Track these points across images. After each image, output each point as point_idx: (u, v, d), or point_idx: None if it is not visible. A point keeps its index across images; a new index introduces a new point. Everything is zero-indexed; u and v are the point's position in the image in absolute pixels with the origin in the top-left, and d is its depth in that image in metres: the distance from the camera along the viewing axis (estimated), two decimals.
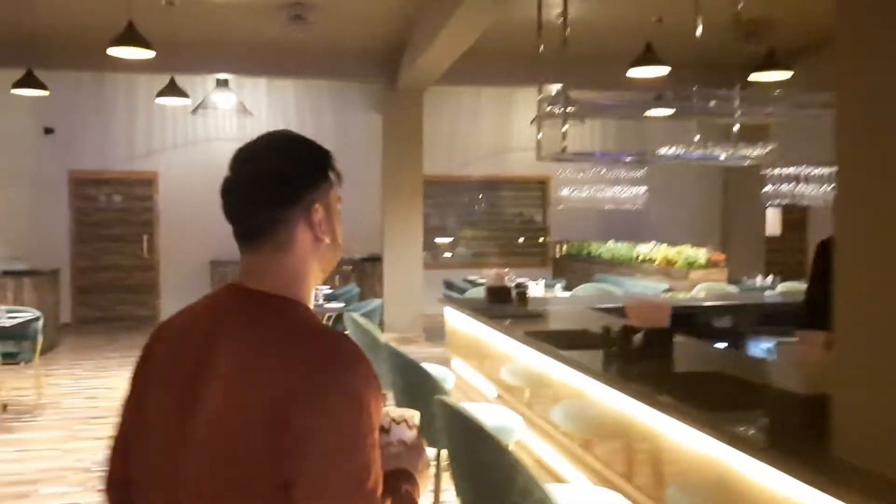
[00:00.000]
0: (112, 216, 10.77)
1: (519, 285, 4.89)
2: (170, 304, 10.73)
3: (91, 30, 7.46)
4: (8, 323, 5.74)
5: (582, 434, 3.01)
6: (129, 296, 10.85)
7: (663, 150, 5.19)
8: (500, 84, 10.99)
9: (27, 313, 6.27)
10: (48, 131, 10.40)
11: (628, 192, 8.04)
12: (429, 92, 9.65)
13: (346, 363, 1.08)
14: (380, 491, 1.07)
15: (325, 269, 1.24)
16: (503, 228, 12.08)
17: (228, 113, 10.14)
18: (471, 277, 9.89)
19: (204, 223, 10.93)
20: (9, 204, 9.16)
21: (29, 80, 7.27)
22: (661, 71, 6.37)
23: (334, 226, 1.23)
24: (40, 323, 6.32)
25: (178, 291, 10.73)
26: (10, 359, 6.12)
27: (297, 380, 1.05)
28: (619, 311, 4.02)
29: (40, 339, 6.35)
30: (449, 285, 9.42)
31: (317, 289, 8.53)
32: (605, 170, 11.26)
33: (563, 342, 3.14)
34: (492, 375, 4.23)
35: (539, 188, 12.02)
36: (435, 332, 9.64)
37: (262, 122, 11.01)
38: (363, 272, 11.00)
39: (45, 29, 7.83)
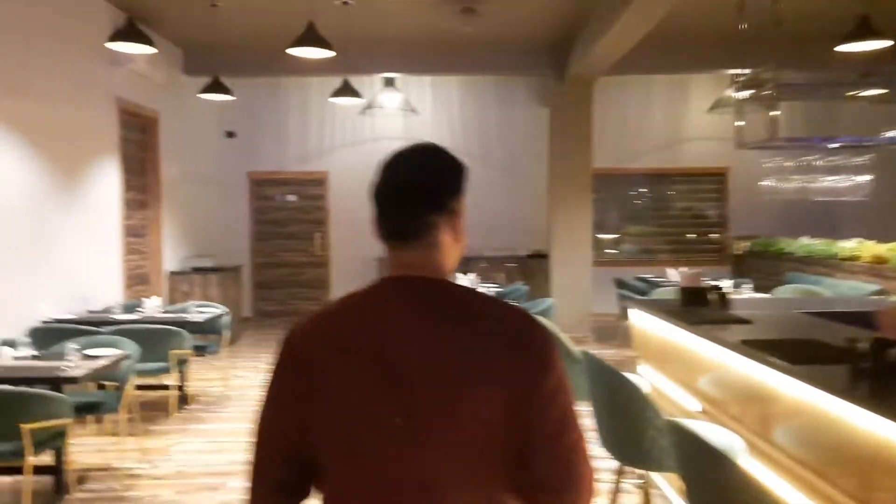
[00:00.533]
0: (287, 215, 11.21)
1: (715, 287, 4.45)
2: None
3: (270, 34, 7.73)
4: (199, 318, 6.02)
5: (819, 460, 2.60)
6: (303, 290, 11.25)
7: (891, 133, 4.55)
8: (678, 70, 10.38)
9: (215, 309, 6.54)
10: (230, 135, 10.97)
11: (847, 182, 7.20)
12: (596, 83, 9.25)
13: (552, 346, 1.24)
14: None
15: (455, 266, 1.35)
16: (673, 224, 11.43)
17: (394, 112, 10.24)
18: (645, 276, 9.40)
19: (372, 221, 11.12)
20: (196, 204, 9.73)
21: (216, 87, 7.64)
22: (880, 45, 5.55)
23: (463, 229, 1.35)
24: (227, 318, 6.59)
25: (347, 286, 10.91)
26: (200, 352, 6.41)
27: (520, 371, 1.19)
28: (848, 318, 3.53)
29: (227, 333, 6.62)
30: (621, 284, 8.99)
31: (487, 286, 8.21)
32: (791, 159, 10.38)
33: (789, 353, 2.74)
34: (691, 385, 3.85)
35: (715, 180, 11.27)
36: (604, 333, 9.25)
37: (427, 121, 11.07)
38: (528, 269, 10.77)
39: (230, 35, 8.20)
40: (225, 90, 7.73)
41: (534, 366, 1.20)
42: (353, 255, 11.07)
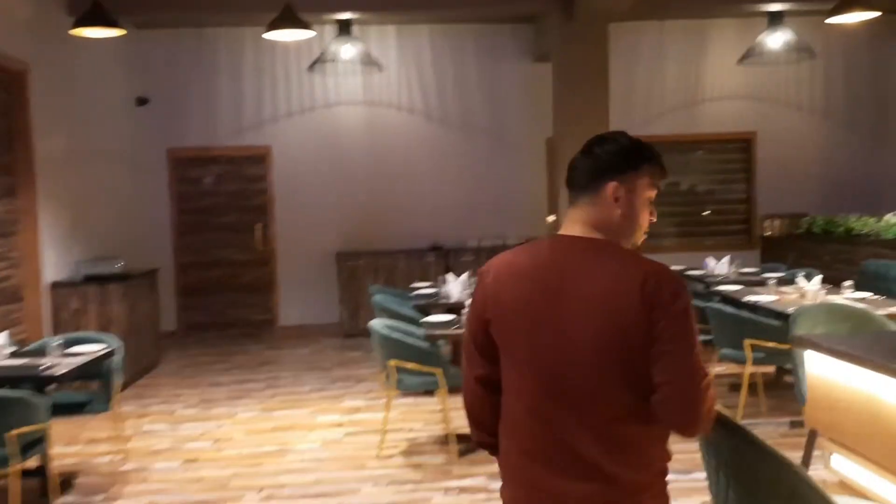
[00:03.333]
0: (219, 201, 8.96)
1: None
2: (290, 307, 8.85)
3: None
4: (64, 368, 3.80)
5: None
6: (242, 296, 9.04)
7: None
8: (707, 14, 8.40)
9: (97, 345, 4.34)
10: (142, 101, 8.66)
11: None
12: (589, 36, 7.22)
13: (679, 281, 1.56)
14: None
15: (620, 236, 1.66)
16: (687, 202, 9.50)
17: (352, 68, 8.08)
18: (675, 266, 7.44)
19: (328, 207, 8.99)
20: (93, 191, 7.43)
21: (94, 17, 5.33)
22: None
23: (634, 205, 1.66)
24: (118, 357, 4.41)
25: (299, 290, 8.85)
26: (74, 411, 4.24)
27: (650, 293, 1.52)
28: None
29: (117, 380, 4.44)
30: None
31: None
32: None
33: None
34: None
35: (739, 148, 9.37)
36: None
37: (393, 79, 8.91)
38: None
39: None
40: (108, 22, 5.42)
41: (664, 294, 1.52)
42: (305, 249, 8.90)
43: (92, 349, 4.24)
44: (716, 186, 9.48)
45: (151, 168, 8.75)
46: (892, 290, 5.77)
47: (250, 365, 7.39)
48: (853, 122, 9.25)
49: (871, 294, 5.17)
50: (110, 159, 7.92)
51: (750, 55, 8.11)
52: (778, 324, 4.73)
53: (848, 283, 5.20)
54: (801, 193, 9.20)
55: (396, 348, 4.53)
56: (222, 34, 8.71)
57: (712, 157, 9.48)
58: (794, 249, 8.41)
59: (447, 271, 8.49)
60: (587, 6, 6.87)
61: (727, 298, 5.61)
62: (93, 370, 4.16)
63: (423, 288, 6.69)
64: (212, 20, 8.41)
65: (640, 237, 1.68)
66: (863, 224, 6.90)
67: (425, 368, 4.50)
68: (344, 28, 7.71)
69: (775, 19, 8.01)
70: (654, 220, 1.71)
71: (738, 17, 8.82)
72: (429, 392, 5.24)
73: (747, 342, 4.78)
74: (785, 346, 4.71)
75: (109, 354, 4.29)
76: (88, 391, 4.80)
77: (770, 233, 9.01)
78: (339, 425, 5.31)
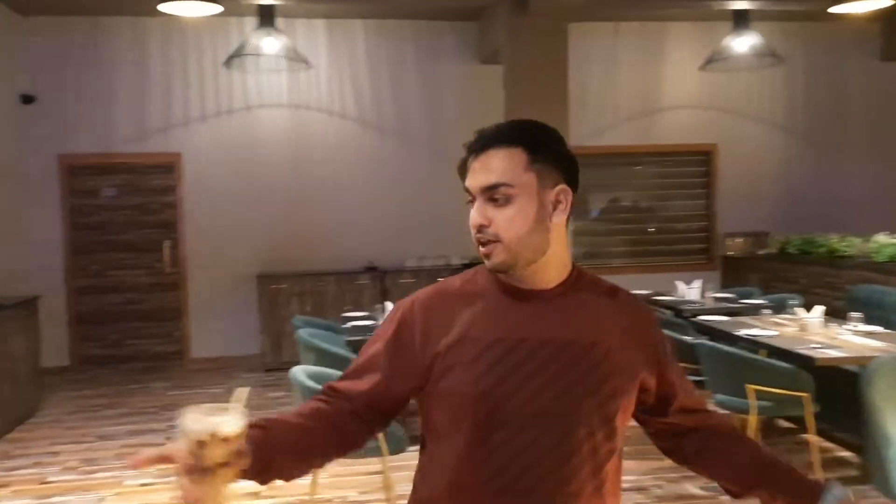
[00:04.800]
0: (120, 216, 7.77)
1: None
2: (203, 337, 7.73)
3: None
4: None
5: None
6: (147, 325, 7.86)
7: None
8: (673, 13, 7.68)
9: None
10: (27, 100, 7.43)
11: None
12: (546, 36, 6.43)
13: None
14: None
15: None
16: (640, 219, 8.80)
17: (275, 64, 7.07)
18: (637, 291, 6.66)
19: (247, 223, 7.90)
20: None
21: None
22: None
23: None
24: None
25: (213, 318, 7.74)
26: None
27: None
28: None
29: None
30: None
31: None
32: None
33: None
34: None
35: (699, 161, 8.73)
36: None
37: (321, 79, 7.93)
38: None
39: None
40: None
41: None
42: (220, 271, 7.80)
43: None
44: (672, 202, 8.81)
45: (38, 178, 7.51)
46: (890, 320, 5.11)
47: (150, 409, 6.24)
48: (813, 135, 8.73)
49: (882, 328, 4.46)
50: None
51: (714, 59, 7.48)
52: (788, 367, 3.96)
53: (856, 314, 4.48)
54: (762, 210, 8.62)
55: None
56: (123, 23, 7.57)
57: (668, 171, 8.80)
58: (759, 270, 7.79)
59: (384, 295, 7.56)
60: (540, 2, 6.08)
61: (711, 331, 4.84)
62: None
63: (358, 318, 5.72)
64: (110, 5, 7.28)
65: (476, 248, 1.34)
66: (847, 245, 6.27)
67: None
68: (266, 16, 6.70)
69: (741, 21, 7.41)
70: (472, 220, 1.32)
71: (700, 19, 8.20)
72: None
73: (750, 388, 3.98)
74: (799, 394, 3.93)
75: None
76: None
77: (732, 252, 8.38)
78: (255, 495, 4.27)
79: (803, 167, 8.68)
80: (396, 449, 3.62)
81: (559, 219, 1.32)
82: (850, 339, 4.19)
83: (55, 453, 5.15)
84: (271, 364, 7.47)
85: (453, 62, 8.10)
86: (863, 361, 4.00)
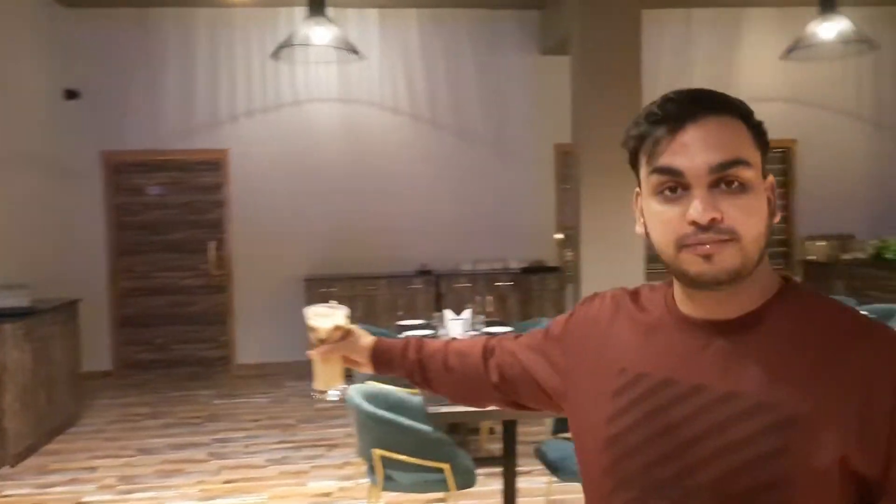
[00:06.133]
0: (165, 215, 7.49)
1: None
2: (249, 342, 7.40)
3: None
4: None
5: None
6: (193, 329, 7.56)
7: None
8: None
9: None
10: (71, 95, 7.18)
11: None
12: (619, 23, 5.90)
13: None
14: None
15: (666, 268, 1.01)
16: None
17: (326, 56, 6.69)
18: None
19: (296, 223, 7.55)
20: (11, 203, 5.97)
21: None
22: None
23: (645, 213, 1.02)
24: None
25: (260, 322, 7.40)
26: None
27: None
28: None
29: None
30: None
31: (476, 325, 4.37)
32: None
33: None
34: None
35: (777, 157, 8.10)
36: None
37: (374, 72, 7.53)
38: (525, 288, 7.37)
39: None
40: None
41: None
42: (268, 273, 7.46)
43: None
44: None
45: (82, 175, 7.26)
46: None
47: (195, 419, 5.91)
48: None
49: None
50: (31, 163, 6.42)
51: (797, 47, 6.85)
52: None
53: None
54: (846, 211, 7.96)
55: (384, 432, 3.11)
56: (168, 14, 7.28)
57: None
58: (847, 277, 7.14)
59: (438, 299, 7.14)
60: None
61: None
62: None
63: (414, 327, 5.28)
64: None
65: (670, 254, 0.97)
66: None
67: (427, 462, 3.09)
68: (316, 5, 6.30)
69: (828, 4, 6.77)
70: (698, 214, 0.93)
71: (781, 5, 7.58)
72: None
73: None
74: None
75: None
76: None
77: (814, 256, 7.73)
78: None
79: (893, 164, 7.99)
80: (464, 483, 3.17)
81: (776, 218, 1.02)
82: None
83: (93, 468, 4.82)
84: None
85: (513, 53, 7.62)
86: None
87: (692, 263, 0.95)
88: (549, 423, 4.00)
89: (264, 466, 4.78)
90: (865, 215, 7.87)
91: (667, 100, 0.98)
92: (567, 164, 7.25)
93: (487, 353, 1.36)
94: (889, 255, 6.45)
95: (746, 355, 0.96)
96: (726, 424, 0.94)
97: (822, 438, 0.89)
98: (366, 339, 1.47)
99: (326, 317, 1.46)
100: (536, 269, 7.43)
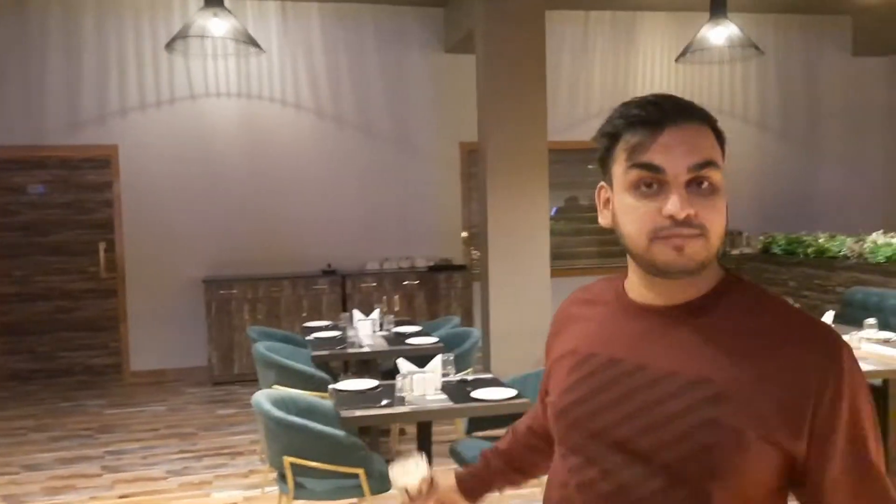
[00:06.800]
0: (50, 216, 7.02)
1: None
2: (144, 348, 7.06)
3: None
4: None
5: None
6: (81, 336, 7.13)
7: None
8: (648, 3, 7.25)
9: None
10: None
11: None
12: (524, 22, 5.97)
13: None
14: None
15: (632, 258, 1.11)
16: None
17: (224, 49, 6.43)
18: None
19: (193, 223, 7.24)
20: None
21: None
22: None
23: (616, 206, 1.11)
24: None
25: (155, 327, 7.06)
26: None
27: None
28: None
29: None
30: None
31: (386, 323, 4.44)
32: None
33: None
34: None
35: None
36: None
37: (275, 66, 7.32)
38: (431, 287, 7.35)
39: None
40: None
41: None
42: (163, 275, 7.12)
43: None
44: None
45: None
46: (890, 323, 4.82)
47: (85, 431, 5.56)
48: (787, 131, 8.50)
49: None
50: None
51: (691, 50, 7.12)
52: None
53: (871, 320, 4.13)
54: (733, 208, 8.31)
55: (295, 438, 2.99)
56: (54, 4, 6.83)
57: None
58: (741, 272, 7.47)
59: (344, 300, 7.02)
60: None
61: None
62: None
63: (321, 329, 5.16)
64: None
65: (642, 244, 1.06)
66: (839, 245, 5.95)
67: (340, 468, 2.99)
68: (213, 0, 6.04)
69: (718, 10, 7.07)
70: (676, 209, 1.02)
71: (673, 10, 7.86)
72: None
73: None
74: None
75: None
76: None
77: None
78: None
79: (776, 164, 8.44)
80: (380, 488, 3.09)
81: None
82: (872, 350, 3.82)
83: None
84: (220, 377, 6.84)
85: (417, 50, 7.57)
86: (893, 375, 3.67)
87: (663, 254, 1.03)
88: (460, 422, 3.98)
89: (164, 478, 4.54)
90: (753, 212, 8.26)
91: (647, 102, 1.07)
92: (473, 162, 7.26)
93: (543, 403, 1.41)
94: (776, 250, 6.79)
95: (688, 338, 1.06)
96: (664, 399, 1.04)
97: (750, 412, 0.99)
98: (447, 478, 1.46)
99: (411, 473, 1.43)
100: (443, 268, 7.41)
